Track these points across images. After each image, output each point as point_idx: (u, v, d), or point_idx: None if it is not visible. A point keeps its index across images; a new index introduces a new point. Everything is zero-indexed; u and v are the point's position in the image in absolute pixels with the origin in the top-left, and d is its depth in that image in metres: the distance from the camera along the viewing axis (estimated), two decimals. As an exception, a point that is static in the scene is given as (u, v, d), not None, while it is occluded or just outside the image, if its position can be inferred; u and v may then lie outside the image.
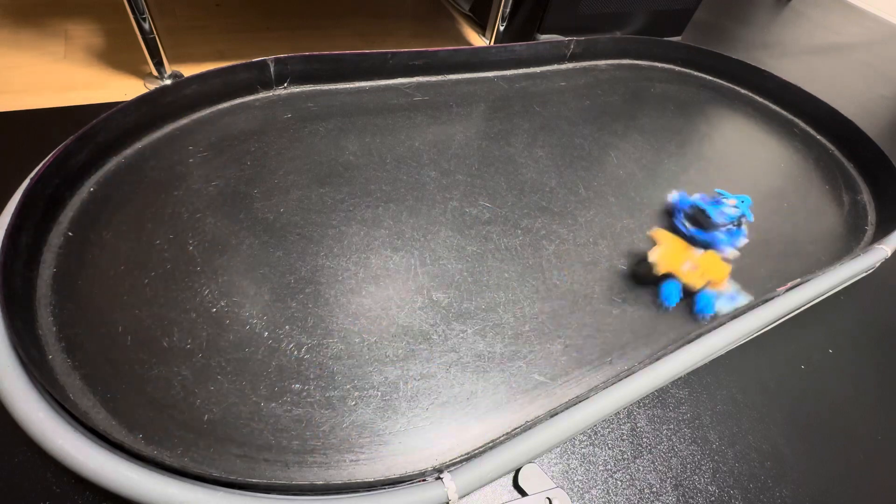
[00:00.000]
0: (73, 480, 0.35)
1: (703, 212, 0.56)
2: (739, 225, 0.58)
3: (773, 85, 0.95)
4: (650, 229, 0.59)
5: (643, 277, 0.56)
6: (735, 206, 0.57)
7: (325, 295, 0.47)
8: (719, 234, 0.56)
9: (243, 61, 0.63)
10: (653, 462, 0.43)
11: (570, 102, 0.81)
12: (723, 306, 0.53)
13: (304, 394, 0.40)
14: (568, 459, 0.42)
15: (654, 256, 0.53)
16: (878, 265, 0.62)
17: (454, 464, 0.37)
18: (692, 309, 0.54)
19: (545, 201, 0.62)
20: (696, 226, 0.58)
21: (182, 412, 0.38)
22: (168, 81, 0.70)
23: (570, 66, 0.91)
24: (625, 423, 0.45)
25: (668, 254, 0.54)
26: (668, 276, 0.54)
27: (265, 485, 0.34)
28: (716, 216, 0.55)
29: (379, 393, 0.41)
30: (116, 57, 0.73)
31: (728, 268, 0.54)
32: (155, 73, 0.70)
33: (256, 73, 0.65)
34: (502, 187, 0.63)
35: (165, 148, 0.57)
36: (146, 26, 0.65)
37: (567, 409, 0.41)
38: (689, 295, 0.54)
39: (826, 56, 1.26)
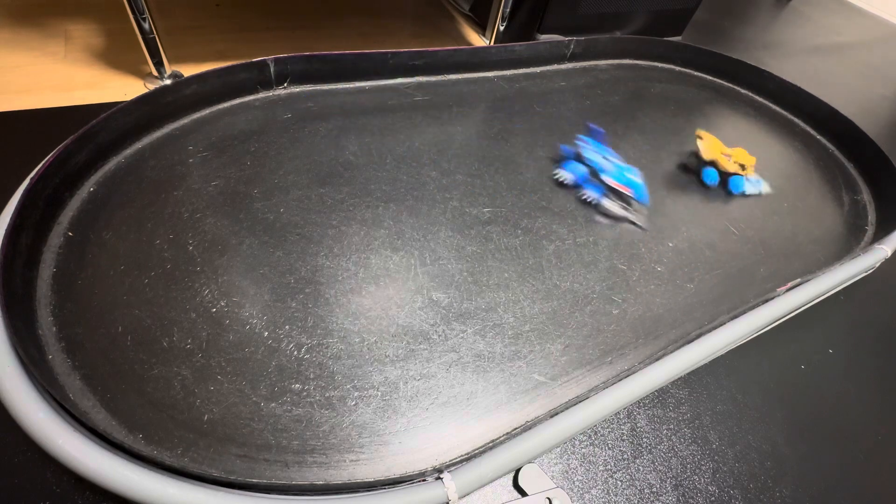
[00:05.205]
0: (73, 480, 0.35)
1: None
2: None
3: (773, 85, 0.95)
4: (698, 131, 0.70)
5: (691, 167, 0.73)
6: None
7: (325, 295, 0.47)
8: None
9: (243, 61, 0.63)
10: (653, 462, 0.43)
11: (570, 102, 0.81)
12: (750, 188, 0.70)
13: (304, 394, 0.40)
14: (568, 459, 0.42)
15: (701, 149, 0.69)
16: (877, 265, 0.62)
17: (454, 464, 0.37)
18: (727, 189, 0.70)
19: (545, 201, 0.62)
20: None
21: (182, 412, 0.38)
22: (168, 81, 0.70)
23: (570, 66, 0.91)
24: (625, 423, 0.45)
25: (710, 147, 0.69)
26: (709, 163, 0.70)
27: (265, 485, 0.34)
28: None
29: (379, 393, 0.41)
30: (116, 57, 0.73)
31: (754, 159, 0.70)
32: (155, 73, 0.70)
33: (256, 73, 0.65)
34: (502, 187, 0.63)
35: (165, 148, 0.57)
36: (146, 26, 0.65)
37: (567, 409, 0.41)
38: (724, 178, 0.70)
39: (826, 56, 1.26)
